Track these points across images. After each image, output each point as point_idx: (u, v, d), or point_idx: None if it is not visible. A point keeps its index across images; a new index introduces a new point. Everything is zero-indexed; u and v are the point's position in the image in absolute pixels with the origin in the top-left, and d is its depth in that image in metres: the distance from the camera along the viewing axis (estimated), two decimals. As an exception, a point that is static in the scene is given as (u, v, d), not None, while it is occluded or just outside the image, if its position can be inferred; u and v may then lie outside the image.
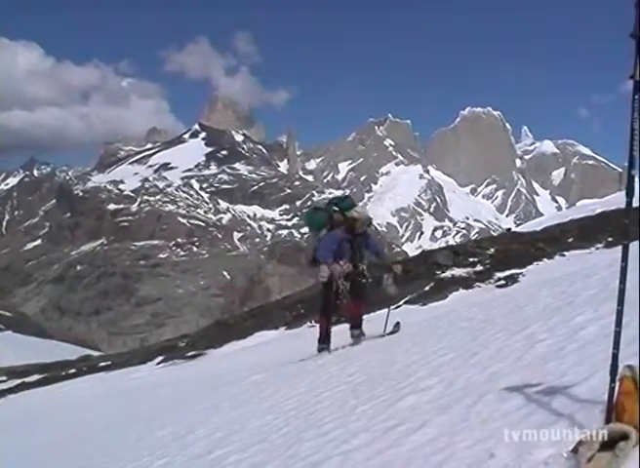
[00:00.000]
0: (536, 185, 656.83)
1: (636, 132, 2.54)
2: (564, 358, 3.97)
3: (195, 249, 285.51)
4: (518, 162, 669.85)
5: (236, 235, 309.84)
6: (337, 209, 10.67)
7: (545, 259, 20.85)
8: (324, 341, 10.56)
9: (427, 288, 20.81)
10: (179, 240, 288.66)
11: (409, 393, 4.70)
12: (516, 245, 24.03)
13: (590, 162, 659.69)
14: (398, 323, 10.69)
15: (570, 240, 24.12)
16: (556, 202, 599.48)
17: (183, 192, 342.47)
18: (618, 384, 2.54)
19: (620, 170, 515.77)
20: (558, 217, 36.46)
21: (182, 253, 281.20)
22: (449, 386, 4.49)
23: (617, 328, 2.61)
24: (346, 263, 10.36)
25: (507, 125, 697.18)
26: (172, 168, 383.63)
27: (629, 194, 2.64)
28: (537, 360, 4.24)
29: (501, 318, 7.02)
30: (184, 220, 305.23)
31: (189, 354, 24.63)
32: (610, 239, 21.66)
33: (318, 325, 11.15)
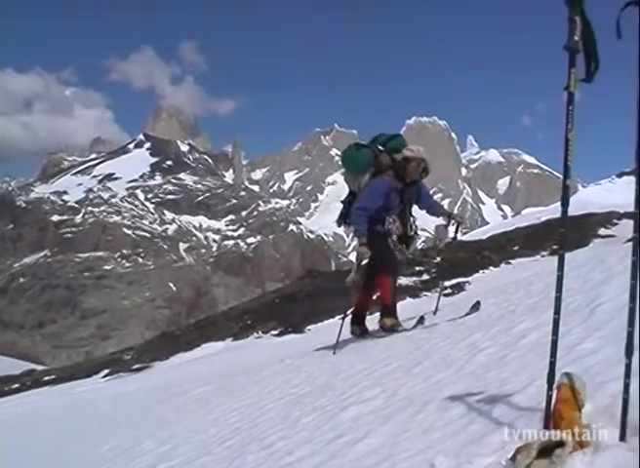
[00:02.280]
0: (481, 194, 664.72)
1: (570, 142, 2.57)
2: (505, 366, 4.00)
3: (141, 260, 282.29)
4: (464, 171, 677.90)
5: (182, 246, 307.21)
6: (382, 148, 8.44)
7: (491, 267, 21.11)
8: (356, 322, 9.23)
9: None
10: (124, 251, 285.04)
11: (352, 403, 4.70)
12: (462, 253, 24.21)
13: (535, 170, 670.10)
14: (478, 302, 7.81)
15: (515, 248, 24.45)
16: (502, 210, 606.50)
17: (128, 203, 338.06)
18: (555, 392, 2.56)
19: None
20: (504, 226, 36.95)
21: (128, 264, 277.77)
22: (392, 396, 4.49)
23: (553, 336, 2.63)
24: (395, 222, 8.22)
25: (453, 134, 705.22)
26: (116, 178, 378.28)
27: (564, 204, 2.67)
28: (478, 368, 4.27)
29: (446, 326, 7.07)
30: (129, 231, 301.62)
31: (135, 367, 24.30)
32: (555, 247, 21.97)
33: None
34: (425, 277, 22.03)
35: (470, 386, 3.86)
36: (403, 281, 21.62)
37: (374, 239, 8.11)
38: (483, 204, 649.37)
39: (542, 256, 21.75)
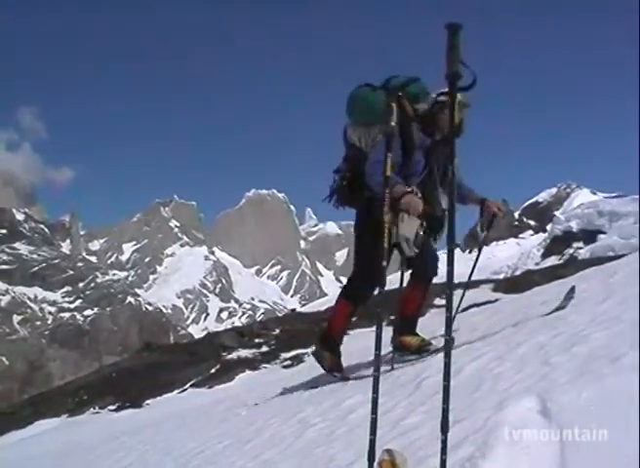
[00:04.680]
0: (320, 266, 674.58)
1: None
2: (333, 442, 4.00)
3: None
4: (302, 243, 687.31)
5: (16, 318, 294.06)
6: (400, 94, 5.85)
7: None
8: (327, 343, 6.60)
9: (213, 370, 20.64)
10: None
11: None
12: (301, 325, 24.40)
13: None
14: (573, 287, 6.18)
15: (353, 319, 24.84)
16: (340, 282, 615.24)
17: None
18: (377, 468, 2.58)
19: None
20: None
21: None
22: (223, 476, 4.42)
23: (373, 414, 2.67)
24: (416, 192, 5.60)
25: (292, 207, 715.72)
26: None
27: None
28: (307, 445, 4.24)
29: (279, 402, 7.05)
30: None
31: (-43, 450, 22.90)
32: (392, 317, 22.49)
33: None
34: (265, 348, 22.00)
35: (298, 464, 3.84)
36: (242, 353, 21.53)
37: (367, 224, 5.84)
38: (321, 276, 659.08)
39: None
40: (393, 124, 3.82)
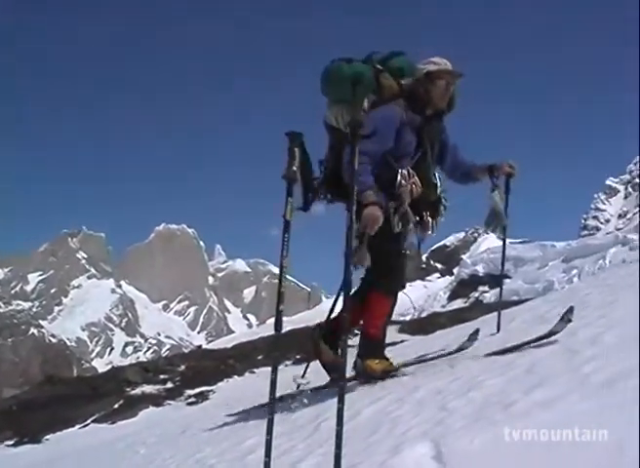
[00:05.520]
0: (227, 303, 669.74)
1: (285, 268, 2.68)
2: (228, 484, 3.98)
3: None
4: (211, 279, 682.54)
5: None
6: (381, 68, 5.35)
7: (236, 376, 21.14)
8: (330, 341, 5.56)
9: (117, 405, 20.20)
10: None
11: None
12: (207, 362, 24.16)
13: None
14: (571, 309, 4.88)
15: (259, 357, 24.72)
16: (247, 319, 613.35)
17: None
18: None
19: (308, 289, 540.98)
20: (249, 335, 37.40)
21: None
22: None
23: (266, 458, 2.67)
24: (412, 177, 5.21)
25: (201, 242, 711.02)
26: None
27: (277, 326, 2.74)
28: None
29: (179, 440, 6.96)
30: None
31: None
32: (298, 356, 22.46)
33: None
34: (170, 385, 21.68)
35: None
36: (147, 389, 21.16)
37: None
38: (229, 313, 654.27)
39: (286, 366, 22.14)
40: (295, 169, 3.50)
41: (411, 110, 5.27)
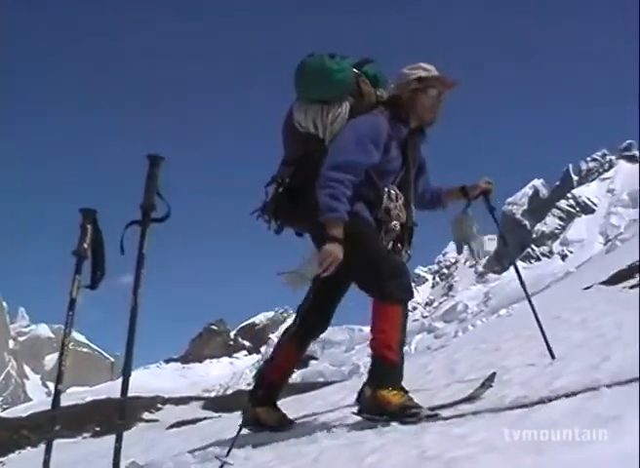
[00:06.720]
0: (27, 369, 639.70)
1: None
2: None
3: None
4: (11, 343, 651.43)
5: None
6: (357, 71, 4.37)
7: (29, 448, 20.35)
8: (266, 399, 4.50)
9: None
10: None
11: None
12: (0, 431, 23.09)
13: (85, 349, 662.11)
14: (494, 374, 4.53)
15: (57, 428, 23.84)
16: (47, 387, 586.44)
17: None
18: None
19: (112, 359, 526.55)
20: (47, 403, 35.95)
21: None
22: None
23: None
24: (399, 199, 4.25)
25: (4, 304, 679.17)
26: None
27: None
28: None
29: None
30: None
31: None
32: (97, 429, 21.89)
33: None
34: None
35: None
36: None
37: (356, 236, 4.02)
38: (27, 379, 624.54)
39: (84, 438, 21.55)
40: (85, 246, 3.24)
41: (395, 121, 4.31)
